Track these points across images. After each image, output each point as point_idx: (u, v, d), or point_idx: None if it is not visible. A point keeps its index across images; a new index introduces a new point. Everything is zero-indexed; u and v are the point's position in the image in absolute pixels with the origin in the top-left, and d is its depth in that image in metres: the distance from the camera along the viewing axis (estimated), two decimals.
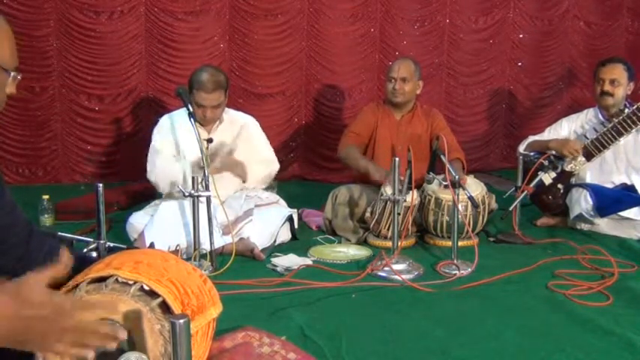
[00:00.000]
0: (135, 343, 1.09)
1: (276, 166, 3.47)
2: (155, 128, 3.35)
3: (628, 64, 3.58)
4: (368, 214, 3.31)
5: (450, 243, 2.98)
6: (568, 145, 3.53)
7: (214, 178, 2.90)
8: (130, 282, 1.15)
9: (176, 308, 1.15)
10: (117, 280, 1.15)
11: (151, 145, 3.31)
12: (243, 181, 3.34)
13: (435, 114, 3.68)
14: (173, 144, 3.26)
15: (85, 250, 2.12)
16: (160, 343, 1.10)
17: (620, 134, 3.43)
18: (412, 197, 2.94)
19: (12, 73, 1.28)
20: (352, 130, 3.63)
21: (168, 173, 3.16)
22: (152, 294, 1.15)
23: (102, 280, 1.16)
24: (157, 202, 3.27)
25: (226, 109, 3.34)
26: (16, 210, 1.34)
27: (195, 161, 3.10)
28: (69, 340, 1.00)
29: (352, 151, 3.54)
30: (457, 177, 2.82)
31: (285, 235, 3.25)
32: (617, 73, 3.51)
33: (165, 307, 1.15)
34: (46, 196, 3.64)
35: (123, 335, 1.04)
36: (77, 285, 1.15)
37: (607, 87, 3.51)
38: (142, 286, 1.15)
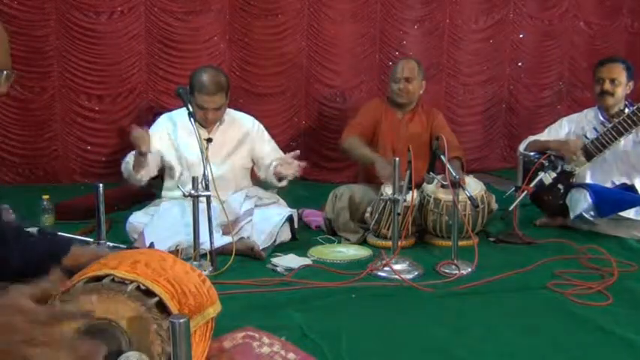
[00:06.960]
0: (132, 342, 1.09)
1: None
2: (152, 126, 3.34)
3: (627, 62, 3.58)
4: (368, 214, 3.30)
5: (449, 243, 2.98)
6: (568, 146, 3.53)
7: (214, 178, 2.90)
8: (127, 281, 1.15)
9: (173, 308, 1.14)
10: (113, 279, 1.15)
11: None
12: (279, 181, 3.23)
13: (435, 113, 3.70)
14: (171, 144, 3.25)
15: None
16: (156, 343, 1.10)
17: (621, 134, 3.43)
18: (412, 197, 2.94)
19: (5, 72, 1.26)
20: (357, 121, 3.61)
21: (128, 165, 3.14)
22: (149, 293, 1.15)
23: (99, 279, 1.16)
24: (157, 202, 3.27)
25: (227, 109, 3.33)
26: None
27: (194, 161, 3.09)
28: (39, 353, 0.93)
29: (356, 142, 3.53)
30: (457, 177, 2.82)
31: (285, 235, 3.24)
32: (617, 72, 3.51)
33: (162, 307, 1.15)
34: (46, 196, 3.64)
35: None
36: (74, 284, 1.16)
37: (607, 86, 3.51)
38: (138, 286, 1.15)
